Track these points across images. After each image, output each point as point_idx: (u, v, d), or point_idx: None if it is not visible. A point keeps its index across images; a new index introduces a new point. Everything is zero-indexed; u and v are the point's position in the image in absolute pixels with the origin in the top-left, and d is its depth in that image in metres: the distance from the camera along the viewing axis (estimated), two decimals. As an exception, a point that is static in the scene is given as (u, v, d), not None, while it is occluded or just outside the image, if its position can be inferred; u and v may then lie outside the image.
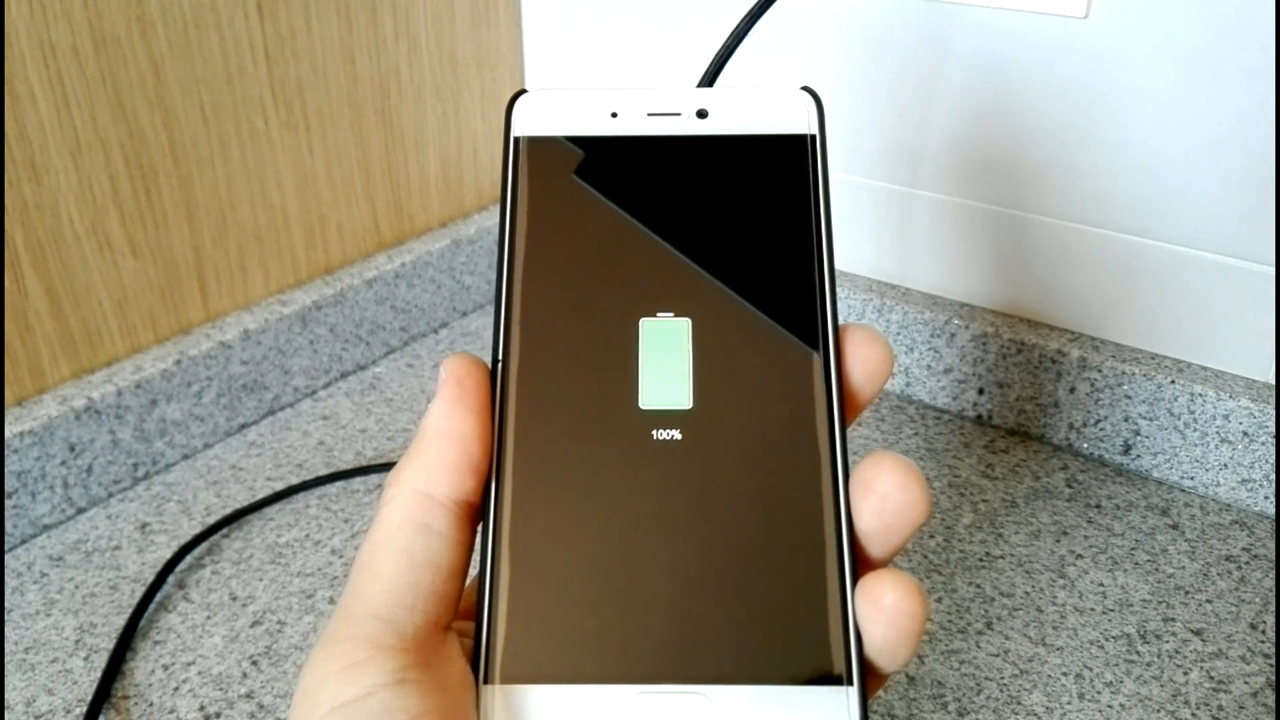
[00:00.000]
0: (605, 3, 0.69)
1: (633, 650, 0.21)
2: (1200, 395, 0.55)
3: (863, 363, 0.23)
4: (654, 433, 0.23)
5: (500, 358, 0.24)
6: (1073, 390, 0.59)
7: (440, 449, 0.22)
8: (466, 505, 0.22)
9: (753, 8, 0.38)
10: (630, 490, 0.22)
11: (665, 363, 0.23)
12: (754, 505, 0.22)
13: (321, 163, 0.64)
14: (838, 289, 0.65)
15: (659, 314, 0.24)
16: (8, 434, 0.50)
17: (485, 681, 0.21)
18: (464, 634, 0.22)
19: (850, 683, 0.21)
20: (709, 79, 0.34)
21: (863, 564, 0.22)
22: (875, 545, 0.22)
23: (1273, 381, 0.55)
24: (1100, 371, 0.57)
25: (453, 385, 0.23)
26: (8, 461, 0.51)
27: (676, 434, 0.23)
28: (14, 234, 0.50)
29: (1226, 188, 0.52)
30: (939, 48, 0.57)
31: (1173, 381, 0.55)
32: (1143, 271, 0.56)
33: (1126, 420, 0.58)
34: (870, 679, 0.21)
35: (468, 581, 0.23)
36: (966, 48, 0.57)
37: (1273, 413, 0.53)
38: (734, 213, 0.25)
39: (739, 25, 0.37)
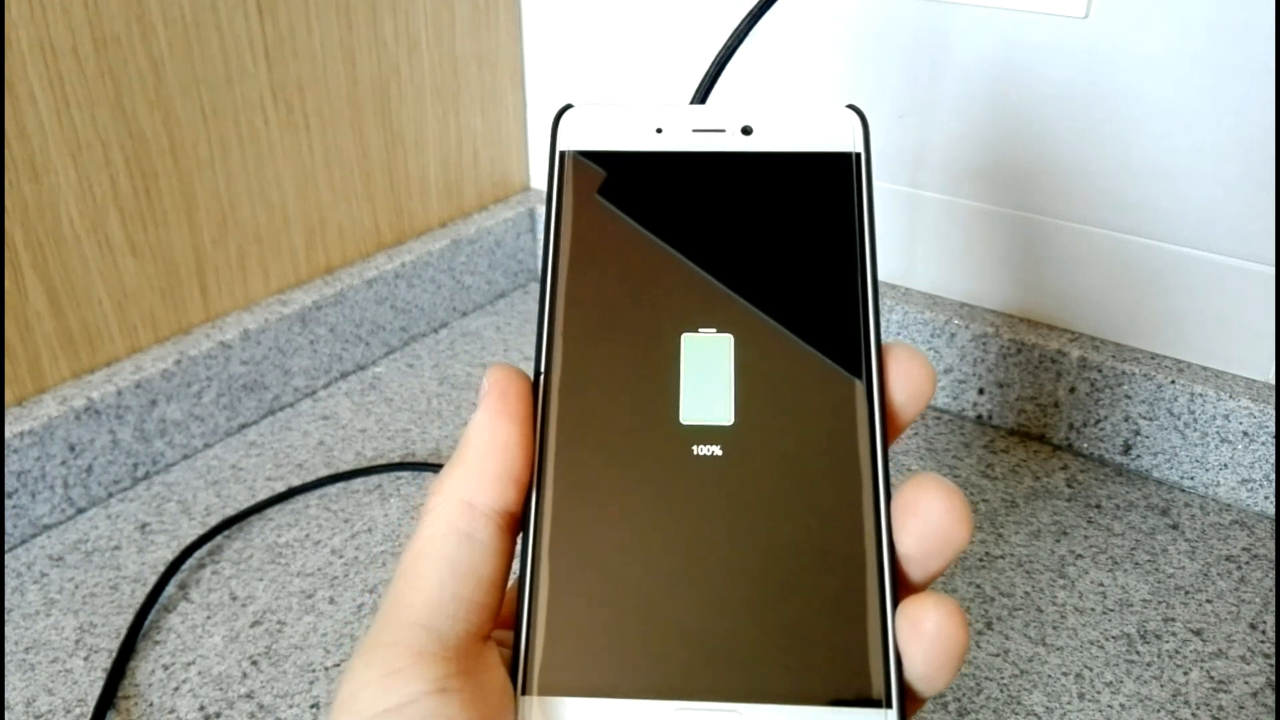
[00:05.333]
0: (605, 3, 0.69)
1: (670, 666, 0.21)
2: (1200, 395, 0.55)
3: (905, 383, 0.23)
4: (695, 448, 0.23)
5: (543, 369, 0.24)
6: (1073, 390, 0.59)
7: (483, 459, 0.22)
8: (508, 515, 0.22)
9: (753, 8, 0.38)
10: (670, 505, 0.22)
11: (707, 378, 0.23)
12: (794, 524, 0.22)
13: (321, 163, 0.64)
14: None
15: (701, 329, 0.24)
16: (8, 434, 0.50)
17: (523, 692, 0.21)
18: (502, 643, 0.23)
19: (889, 706, 0.20)
20: (710, 79, 0.34)
21: (901, 587, 0.22)
22: (915, 568, 0.22)
23: (1273, 381, 0.55)
24: (1100, 371, 0.57)
25: (496, 396, 0.23)
26: (8, 461, 0.50)
27: (717, 450, 0.23)
28: (14, 234, 0.50)
29: (1226, 188, 0.52)
30: (939, 48, 0.58)
31: (1173, 381, 0.55)
32: (1143, 271, 0.56)
33: (1126, 420, 0.58)
34: (908, 702, 0.21)
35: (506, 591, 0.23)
36: (966, 48, 0.57)
37: (1273, 413, 0.53)
38: (778, 230, 0.25)
39: (740, 25, 0.37)
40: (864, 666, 0.21)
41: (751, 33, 0.37)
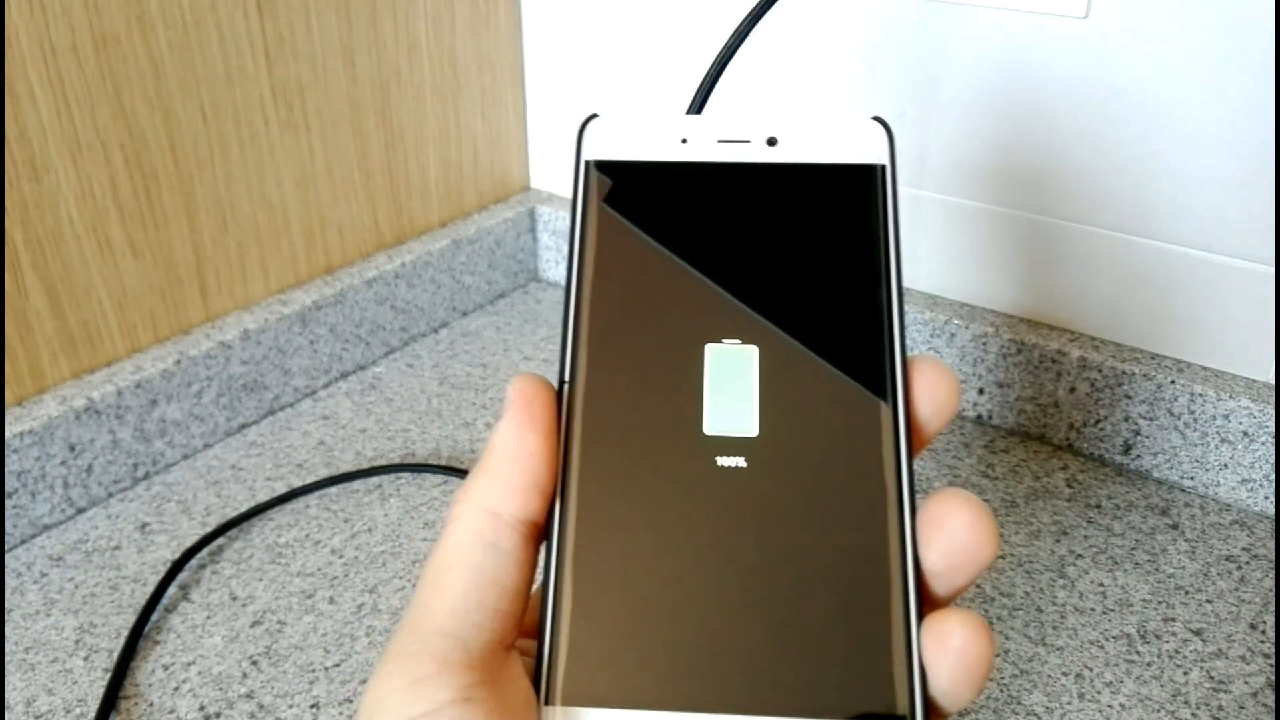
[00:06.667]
0: (605, 4, 0.69)
1: (694, 678, 0.21)
2: (1200, 395, 0.55)
3: (931, 396, 0.23)
4: (718, 459, 0.23)
5: (567, 379, 0.24)
6: (1073, 390, 0.59)
7: (508, 469, 0.22)
8: (532, 525, 0.22)
9: (754, 8, 0.38)
10: (694, 516, 0.22)
11: (731, 389, 0.23)
12: (818, 536, 0.22)
13: (321, 163, 0.64)
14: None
15: (726, 340, 0.24)
16: (8, 434, 0.50)
17: (547, 702, 0.21)
18: (526, 653, 0.23)
19: None
20: (710, 80, 0.34)
21: (926, 602, 0.22)
22: (940, 583, 0.22)
23: (1273, 381, 0.55)
24: (1100, 371, 0.57)
25: (521, 406, 0.23)
26: (8, 461, 0.50)
27: (741, 461, 0.23)
28: (14, 234, 0.50)
29: (1226, 188, 0.52)
30: (939, 48, 0.58)
31: (1173, 381, 0.55)
32: (1143, 271, 0.56)
33: (1126, 420, 0.58)
34: (931, 718, 0.21)
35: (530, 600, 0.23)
36: (967, 48, 0.57)
37: (1273, 413, 0.53)
38: (803, 241, 0.25)
39: (740, 25, 0.37)
40: (888, 681, 0.21)
41: (751, 33, 0.37)
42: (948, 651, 0.20)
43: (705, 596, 0.22)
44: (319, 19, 0.61)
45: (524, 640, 0.23)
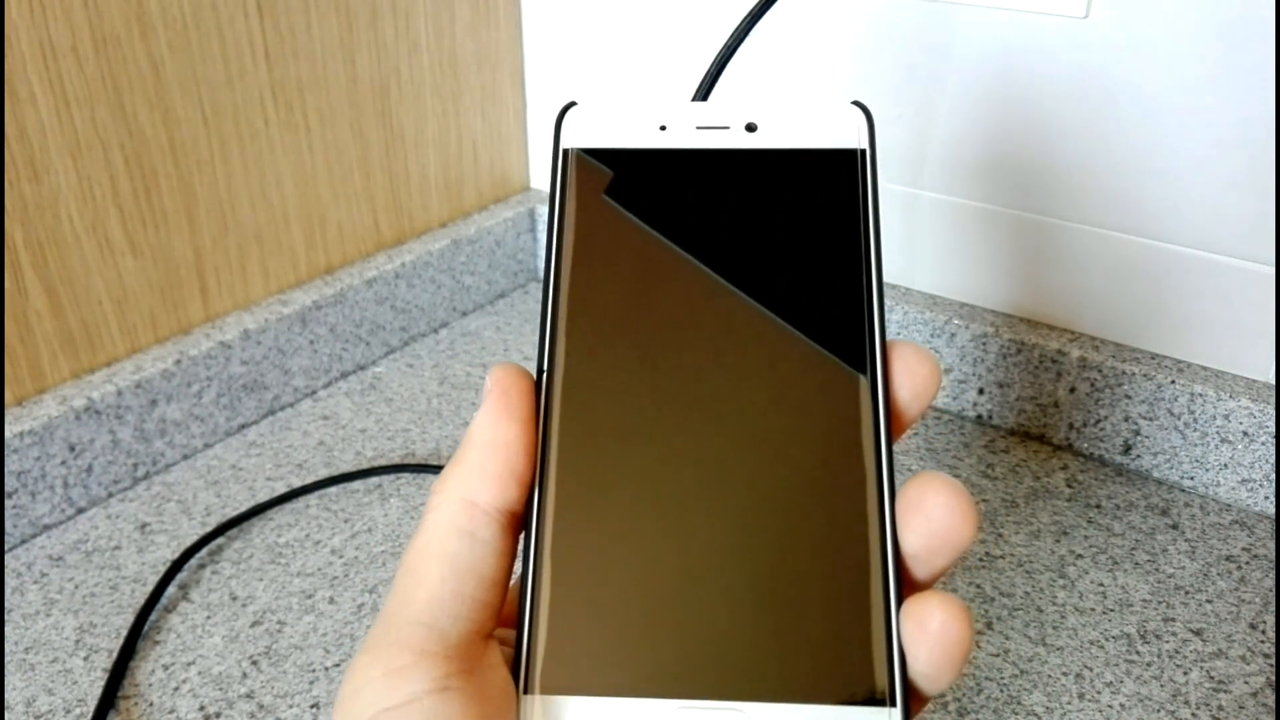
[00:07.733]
0: (605, 3, 0.69)
1: (673, 665, 0.21)
2: (1200, 395, 0.55)
3: (910, 381, 0.23)
4: (698, 446, 0.23)
5: (545, 368, 0.24)
6: (1073, 390, 0.59)
7: (486, 458, 0.22)
8: (510, 514, 0.22)
9: (754, 7, 0.38)
10: (673, 504, 0.22)
11: (710, 376, 0.23)
12: (798, 522, 0.22)
13: (321, 163, 0.64)
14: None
15: (704, 327, 0.24)
16: (8, 434, 0.50)
17: (525, 691, 0.21)
18: (505, 642, 0.23)
19: (893, 704, 0.20)
20: (711, 78, 0.34)
21: (906, 585, 0.22)
22: (919, 566, 0.22)
23: (1273, 381, 0.55)
24: (1100, 371, 0.57)
25: (499, 395, 0.23)
26: (8, 461, 0.50)
27: (721, 448, 0.23)
28: (14, 234, 0.50)
29: (1226, 187, 0.52)
30: (939, 48, 0.58)
31: (1173, 381, 0.55)
32: (1143, 271, 0.56)
33: (1126, 420, 0.58)
34: (912, 701, 0.21)
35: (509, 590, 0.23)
36: (967, 48, 0.57)
37: (1273, 413, 0.53)
38: (782, 227, 0.25)
39: (740, 25, 0.37)
40: (868, 665, 0.21)
41: (752, 32, 0.37)
42: (927, 634, 0.20)
43: (684, 583, 0.22)
44: (319, 19, 0.61)
45: (503, 630, 0.23)
